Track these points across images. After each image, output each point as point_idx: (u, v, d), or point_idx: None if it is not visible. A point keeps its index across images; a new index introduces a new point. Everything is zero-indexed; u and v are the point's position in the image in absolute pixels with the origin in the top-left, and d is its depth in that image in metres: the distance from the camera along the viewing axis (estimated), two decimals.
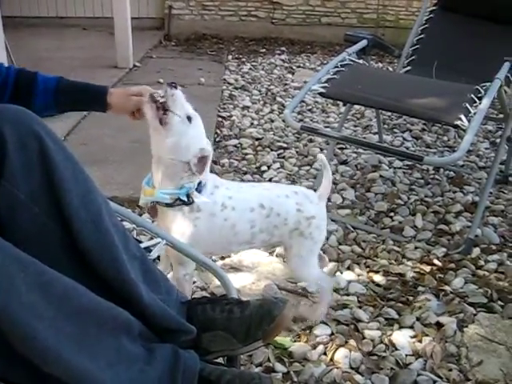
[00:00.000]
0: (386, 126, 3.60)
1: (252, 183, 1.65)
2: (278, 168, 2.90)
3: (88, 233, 1.10)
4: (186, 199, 1.46)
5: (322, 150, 3.13)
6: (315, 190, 1.71)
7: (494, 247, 2.23)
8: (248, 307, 1.28)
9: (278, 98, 4.15)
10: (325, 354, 1.62)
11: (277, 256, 2.10)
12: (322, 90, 2.28)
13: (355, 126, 3.64)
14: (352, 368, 1.58)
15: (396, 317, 1.79)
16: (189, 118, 1.43)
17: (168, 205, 1.47)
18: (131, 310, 1.10)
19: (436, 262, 2.11)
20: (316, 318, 1.73)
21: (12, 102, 1.25)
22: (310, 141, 3.28)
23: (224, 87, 4.38)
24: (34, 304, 0.92)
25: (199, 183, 1.48)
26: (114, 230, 1.15)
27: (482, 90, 2.19)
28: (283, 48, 6.07)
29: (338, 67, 2.45)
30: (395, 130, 3.58)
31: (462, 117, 2.01)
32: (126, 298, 1.12)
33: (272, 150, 3.15)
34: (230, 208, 1.52)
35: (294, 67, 5.22)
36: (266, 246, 1.73)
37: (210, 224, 1.51)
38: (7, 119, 1.06)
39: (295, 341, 1.67)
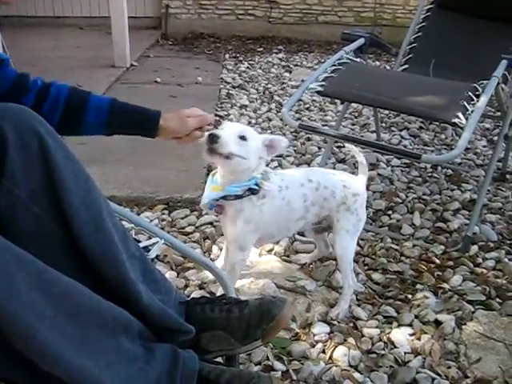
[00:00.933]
0: (383, 125, 3.60)
1: (295, 168, 1.87)
2: (276, 166, 2.89)
3: (88, 232, 1.10)
4: (256, 188, 1.59)
5: (319, 148, 3.13)
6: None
7: (491, 245, 2.23)
8: (247, 307, 1.29)
9: (276, 97, 4.15)
10: (324, 352, 1.62)
11: (275, 254, 2.10)
12: (320, 89, 2.28)
13: (353, 125, 3.64)
14: (351, 366, 1.58)
15: (394, 315, 1.80)
16: (242, 137, 1.54)
17: (238, 197, 1.59)
18: (130, 310, 1.11)
19: (434, 259, 2.11)
20: (336, 314, 1.77)
21: (62, 121, 1.33)
22: (308, 139, 3.27)
23: (221, 86, 4.37)
24: (34, 303, 0.92)
25: (264, 172, 1.63)
26: (114, 230, 1.15)
27: (479, 88, 2.19)
28: (280, 47, 6.07)
29: (335, 66, 2.45)
30: (393, 129, 3.58)
31: (460, 115, 2.01)
32: (126, 297, 1.12)
33: None
34: (285, 188, 1.68)
35: (291, 66, 5.22)
36: (318, 225, 1.85)
37: (273, 207, 1.65)
38: (8, 118, 1.06)
39: (294, 339, 1.67)
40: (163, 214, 2.36)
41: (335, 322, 1.74)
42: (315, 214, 1.76)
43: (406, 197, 2.63)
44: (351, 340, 1.67)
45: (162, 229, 2.21)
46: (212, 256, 2.08)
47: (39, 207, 1.07)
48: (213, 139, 1.48)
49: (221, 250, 2.10)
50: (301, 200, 1.71)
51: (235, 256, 1.68)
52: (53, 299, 0.95)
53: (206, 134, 1.48)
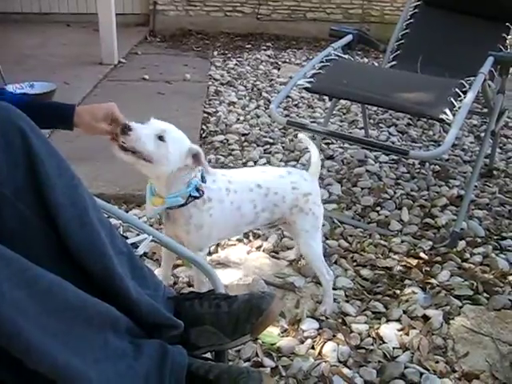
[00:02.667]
0: (371, 121, 3.61)
1: (246, 168, 1.76)
2: (265, 163, 2.89)
3: (74, 228, 1.09)
4: (197, 194, 1.52)
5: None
6: (307, 170, 1.81)
7: (479, 240, 2.25)
8: (236, 302, 1.29)
9: (264, 94, 4.15)
10: (313, 348, 1.63)
11: (264, 251, 2.11)
12: (308, 85, 2.29)
13: (341, 121, 3.65)
14: (340, 361, 1.58)
15: (383, 310, 1.81)
16: (160, 138, 1.43)
17: (182, 205, 1.52)
18: (119, 306, 1.10)
19: (422, 255, 2.12)
20: (324, 310, 1.77)
21: None
22: (296, 136, 3.26)
23: (210, 83, 4.36)
24: (18, 301, 0.91)
25: (202, 176, 1.54)
26: (101, 226, 1.14)
27: (466, 85, 2.20)
28: (269, 43, 6.06)
29: (323, 62, 2.45)
30: (381, 125, 3.59)
31: (447, 111, 2.02)
32: (114, 293, 1.12)
33: (258, 145, 3.15)
34: (233, 191, 1.61)
35: (279, 63, 5.22)
36: (270, 225, 1.79)
37: (221, 210, 1.59)
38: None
39: (283, 336, 1.67)
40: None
41: (324, 318, 1.75)
42: (266, 219, 1.71)
43: (394, 193, 2.64)
44: (340, 336, 1.67)
45: (151, 226, 2.20)
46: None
47: (24, 204, 1.06)
48: (124, 131, 1.39)
49: (210, 247, 2.10)
50: (250, 205, 1.65)
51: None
52: (37, 296, 0.94)
53: (120, 126, 1.41)
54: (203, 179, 1.54)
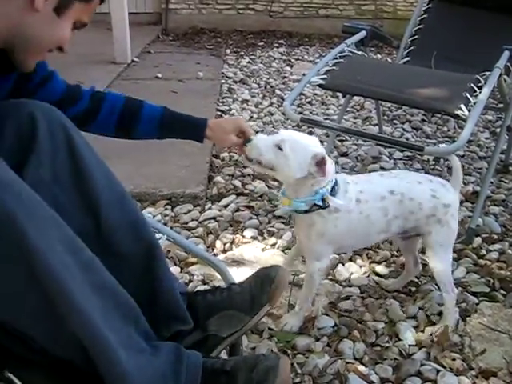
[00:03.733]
0: (385, 118, 3.60)
1: (380, 172, 1.70)
2: None
3: (114, 210, 1.18)
4: (321, 204, 1.49)
5: (322, 142, 3.11)
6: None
7: (495, 236, 2.23)
8: (245, 281, 1.33)
9: (277, 91, 4.14)
10: (328, 345, 1.62)
11: (278, 248, 2.10)
12: (322, 82, 2.28)
13: (355, 118, 3.64)
14: (356, 359, 1.58)
15: (399, 307, 1.79)
16: (278, 147, 1.46)
17: (306, 211, 1.51)
18: (148, 288, 1.20)
19: None
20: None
21: (117, 128, 1.44)
22: (310, 133, 3.26)
23: (223, 81, 4.37)
24: (68, 264, 0.96)
25: (333, 187, 1.51)
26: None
27: (481, 80, 2.18)
28: (281, 41, 6.06)
29: (336, 59, 2.44)
30: (395, 121, 3.57)
31: (462, 106, 2.00)
32: (151, 275, 1.21)
33: None
34: (364, 201, 1.56)
35: (292, 60, 5.21)
36: (403, 234, 1.72)
37: (349, 221, 1.55)
38: (40, 109, 1.16)
39: (298, 333, 1.67)
40: (166, 209, 2.36)
41: (338, 315, 1.74)
42: (399, 227, 1.63)
43: None
44: (356, 333, 1.67)
45: (165, 224, 2.21)
46: (215, 251, 2.08)
47: (60, 189, 1.14)
48: (245, 143, 1.50)
49: (224, 244, 2.11)
50: (381, 214, 1.58)
51: (312, 266, 1.61)
52: (82, 266, 0.99)
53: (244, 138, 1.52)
54: (333, 190, 1.51)
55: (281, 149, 1.45)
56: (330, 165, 1.49)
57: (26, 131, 1.12)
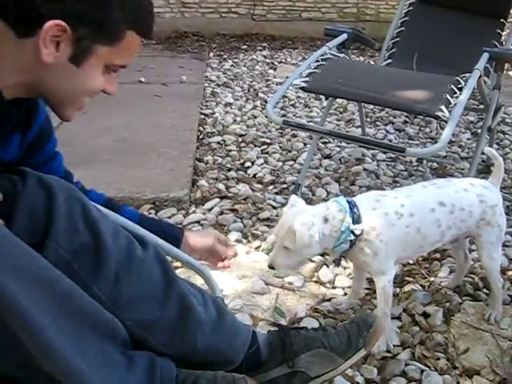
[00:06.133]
0: (368, 120, 3.61)
1: (422, 183, 1.68)
2: (262, 164, 2.90)
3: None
4: (353, 236, 1.51)
5: (305, 144, 3.13)
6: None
7: None
8: (339, 325, 1.33)
9: (261, 94, 4.15)
10: None
11: (262, 251, 2.10)
12: (304, 85, 2.28)
13: (338, 120, 3.65)
14: None
15: None
16: (286, 248, 1.51)
17: (348, 250, 1.54)
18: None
19: None
20: (494, 316, 1.74)
21: None
22: (294, 136, 3.28)
23: (206, 84, 4.36)
24: (40, 299, 0.92)
25: (352, 216, 1.51)
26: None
27: (461, 81, 2.20)
28: (264, 44, 6.07)
29: (318, 61, 2.45)
30: (378, 123, 3.59)
31: (443, 108, 2.02)
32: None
33: (255, 145, 3.15)
34: (408, 215, 1.56)
35: (275, 63, 5.22)
36: (455, 241, 1.75)
37: (393, 234, 1.55)
38: (61, 191, 1.08)
39: None
40: (150, 213, 2.35)
41: (323, 317, 1.75)
42: (452, 235, 1.66)
43: None
44: None
45: None
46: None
47: (79, 265, 1.07)
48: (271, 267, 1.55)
49: None
50: (433, 226, 1.59)
51: (381, 281, 1.60)
52: (57, 297, 0.96)
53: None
54: (355, 220, 1.52)
55: (288, 249, 1.50)
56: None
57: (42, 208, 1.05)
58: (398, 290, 1.90)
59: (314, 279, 1.95)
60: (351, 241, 1.51)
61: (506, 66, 2.48)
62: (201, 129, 3.36)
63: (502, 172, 1.73)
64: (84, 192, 1.34)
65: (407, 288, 1.90)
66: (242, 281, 1.91)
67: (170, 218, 2.31)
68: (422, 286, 1.92)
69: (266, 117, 3.36)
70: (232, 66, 5.04)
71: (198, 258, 1.50)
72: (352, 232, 1.50)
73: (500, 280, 1.75)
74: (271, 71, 4.90)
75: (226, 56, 5.44)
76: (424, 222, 1.58)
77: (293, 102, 3.98)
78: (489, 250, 1.68)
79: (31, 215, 1.03)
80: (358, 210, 1.53)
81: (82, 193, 1.14)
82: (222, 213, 2.37)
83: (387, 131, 3.45)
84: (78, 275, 1.05)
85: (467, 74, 2.22)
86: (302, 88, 2.30)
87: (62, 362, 0.94)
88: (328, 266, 2.02)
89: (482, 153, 2.71)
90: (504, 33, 2.94)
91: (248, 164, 2.89)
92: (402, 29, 3.12)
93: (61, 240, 1.04)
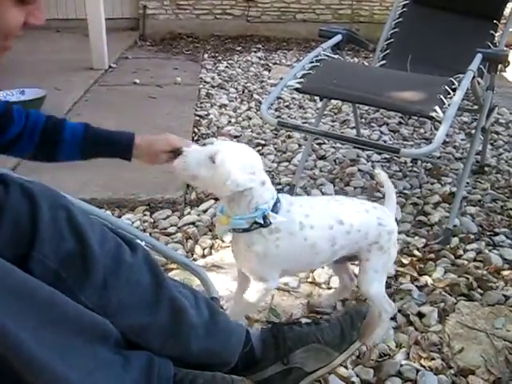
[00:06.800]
0: (363, 121, 3.62)
1: (323, 197, 1.56)
2: None
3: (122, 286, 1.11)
4: (262, 221, 1.36)
5: (300, 145, 3.14)
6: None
7: (472, 236, 2.26)
8: (332, 318, 1.31)
9: (255, 96, 4.15)
10: None
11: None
12: (298, 86, 2.29)
13: (333, 121, 3.66)
14: None
15: None
16: (212, 160, 1.34)
17: (245, 230, 1.39)
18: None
19: (416, 252, 2.12)
20: (373, 340, 1.57)
21: (38, 150, 1.33)
22: (288, 137, 3.28)
23: (201, 86, 4.37)
24: (18, 312, 0.90)
25: (275, 204, 1.39)
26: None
27: (455, 82, 2.21)
28: (259, 45, 6.07)
29: (313, 62, 2.45)
30: (372, 124, 3.60)
31: (437, 108, 2.02)
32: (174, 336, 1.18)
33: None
34: (309, 227, 1.43)
35: (270, 64, 5.23)
36: (339, 260, 1.60)
37: (291, 243, 1.42)
38: (44, 198, 1.06)
39: None
40: (145, 215, 2.35)
41: (318, 318, 1.75)
42: (342, 255, 1.53)
43: None
44: None
45: (144, 230, 2.21)
46: (195, 256, 2.07)
47: (67, 274, 1.05)
48: (175, 155, 1.39)
49: (204, 249, 2.10)
50: (328, 244, 1.46)
51: (257, 285, 1.47)
52: (37, 307, 0.94)
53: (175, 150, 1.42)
54: (275, 208, 1.39)
55: (214, 161, 1.34)
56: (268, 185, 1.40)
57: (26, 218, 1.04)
58: (392, 290, 1.90)
59: (309, 280, 1.95)
60: (254, 223, 1.37)
61: (500, 66, 2.48)
62: (196, 130, 3.36)
63: (394, 197, 1.63)
64: (60, 124, 1.37)
65: (402, 288, 1.90)
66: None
67: (164, 219, 2.31)
68: (416, 286, 1.93)
69: (261, 118, 3.36)
70: (227, 67, 5.05)
71: (153, 160, 1.46)
72: (263, 217, 1.36)
73: (390, 304, 1.56)
74: (266, 72, 4.91)
75: (220, 57, 5.44)
76: (321, 238, 1.45)
77: (287, 104, 3.98)
78: (371, 276, 1.52)
79: (15, 225, 1.01)
80: (280, 206, 1.41)
81: (66, 198, 1.12)
82: (216, 214, 2.37)
83: (382, 132, 3.46)
84: (66, 284, 1.04)
85: (461, 75, 2.23)
86: (297, 89, 2.30)
87: (47, 372, 0.93)
88: (323, 267, 2.02)
89: (477, 153, 2.72)
90: (497, 34, 2.95)
91: None
92: (395, 30, 3.13)
93: (46, 250, 1.02)
